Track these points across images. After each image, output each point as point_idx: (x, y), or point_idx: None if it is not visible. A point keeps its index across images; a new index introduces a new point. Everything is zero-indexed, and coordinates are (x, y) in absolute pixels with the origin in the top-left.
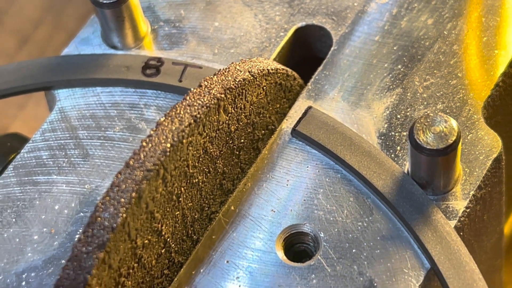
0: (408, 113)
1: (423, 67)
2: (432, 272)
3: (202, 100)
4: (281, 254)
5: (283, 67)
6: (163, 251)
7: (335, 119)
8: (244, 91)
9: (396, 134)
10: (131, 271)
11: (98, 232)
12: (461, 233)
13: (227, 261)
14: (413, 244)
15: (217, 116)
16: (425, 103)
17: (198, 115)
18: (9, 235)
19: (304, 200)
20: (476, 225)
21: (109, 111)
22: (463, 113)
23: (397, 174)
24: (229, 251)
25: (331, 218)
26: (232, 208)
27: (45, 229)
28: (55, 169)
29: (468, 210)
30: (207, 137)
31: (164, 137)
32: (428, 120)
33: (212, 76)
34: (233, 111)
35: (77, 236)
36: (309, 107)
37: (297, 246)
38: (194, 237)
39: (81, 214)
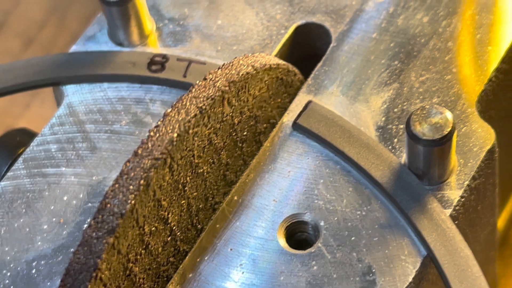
0: (404, 107)
1: (419, 63)
2: (428, 258)
3: (207, 92)
4: (283, 242)
5: (284, 62)
6: (169, 239)
7: (334, 112)
8: (247, 84)
9: (393, 127)
10: (138, 257)
11: (108, 218)
12: (456, 222)
13: (231, 249)
14: (410, 232)
15: (221, 108)
16: (421, 97)
17: (204, 107)
18: (19, 225)
19: (305, 190)
20: (470, 215)
21: (116, 105)
22: (457, 107)
23: (395, 165)
24: (233, 239)
25: (331, 208)
26: (235, 198)
27: (54, 219)
28: (64, 161)
29: (462, 200)
30: (212, 128)
31: (171, 127)
32: (424, 112)
33: (216, 70)
34: (236, 103)
35: (85, 225)
36: (310, 101)
37: (298, 235)
38: (199, 226)
39: (89, 204)
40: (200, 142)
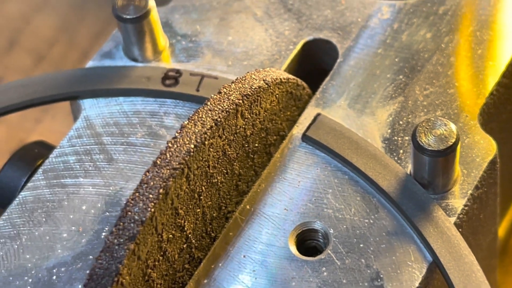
0: (409, 120)
1: (423, 77)
2: (434, 264)
3: (222, 105)
4: (293, 249)
5: (293, 77)
6: (184, 246)
7: (342, 125)
8: (259, 98)
9: (399, 138)
10: (156, 263)
11: (129, 225)
12: (460, 230)
13: (244, 256)
14: (416, 239)
15: (235, 121)
16: (425, 110)
17: (219, 119)
18: (40, 233)
19: (315, 199)
20: (473, 223)
21: (131, 119)
22: (460, 119)
23: (401, 175)
24: (245, 246)
25: (340, 216)
26: (248, 207)
27: (73, 228)
28: (82, 172)
29: (466, 208)
30: (226, 140)
31: (188, 138)
32: (430, 123)
33: (230, 84)
34: (249, 116)
35: (104, 233)
36: (318, 114)
37: (308, 242)
38: (212, 234)
39: (107, 213)
40: (215, 153)
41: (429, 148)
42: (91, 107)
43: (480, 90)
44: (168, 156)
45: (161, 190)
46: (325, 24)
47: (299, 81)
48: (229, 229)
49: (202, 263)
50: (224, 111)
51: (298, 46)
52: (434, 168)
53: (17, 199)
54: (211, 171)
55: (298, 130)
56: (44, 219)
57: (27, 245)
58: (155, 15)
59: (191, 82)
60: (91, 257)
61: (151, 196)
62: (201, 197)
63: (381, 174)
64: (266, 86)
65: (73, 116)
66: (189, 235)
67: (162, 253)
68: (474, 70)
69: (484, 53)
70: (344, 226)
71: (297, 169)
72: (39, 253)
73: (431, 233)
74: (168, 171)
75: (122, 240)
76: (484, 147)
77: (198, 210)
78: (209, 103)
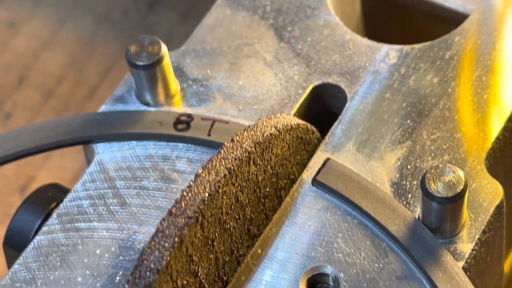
0: (417, 164)
1: (430, 122)
2: None
3: (235, 153)
4: None
5: (303, 122)
6: None
7: (351, 169)
8: (270, 144)
9: (407, 183)
10: None
11: (145, 273)
12: (468, 274)
13: None
14: (425, 283)
15: (247, 168)
16: (432, 154)
17: (232, 167)
18: (55, 277)
19: (325, 243)
20: (480, 266)
21: (144, 163)
22: (467, 164)
23: (409, 220)
24: None
25: (350, 260)
26: (259, 251)
27: (88, 272)
28: (96, 216)
29: (474, 253)
30: (239, 187)
31: (203, 187)
32: (438, 170)
33: (242, 132)
34: (261, 163)
35: (117, 278)
36: (328, 159)
37: (319, 286)
38: (225, 278)
39: (121, 257)
40: (228, 200)
41: (438, 195)
42: (104, 151)
43: (486, 134)
44: (183, 205)
45: (176, 239)
46: (334, 68)
47: (309, 126)
48: (241, 273)
49: None
50: (237, 159)
51: (307, 91)
52: (442, 214)
53: (32, 243)
54: (224, 217)
55: (308, 174)
56: (59, 263)
57: None
58: (167, 61)
59: (203, 126)
60: None
61: (166, 244)
62: (214, 243)
63: (390, 219)
64: (278, 133)
65: (86, 159)
66: (203, 280)
67: None
68: (480, 114)
69: (490, 97)
70: (354, 271)
71: (307, 213)
72: None
73: (440, 278)
74: (183, 219)
75: None
76: (491, 192)
77: (211, 255)
78: (222, 151)
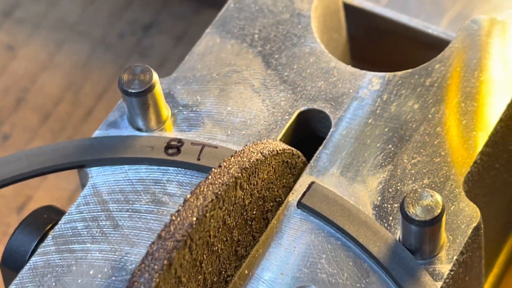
0: (398, 187)
1: (411, 147)
2: None
3: (222, 179)
4: None
5: (289, 147)
6: None
7: (335, 192)
8: (257, 169)
9: (389, 205)
10: None
11: None
12: None
13: None
14: None
15: (234, 192)
16: (413, 178)
17: (219, 192)
18: None
19: (309, 264)
20: (459, 285)
21: (136, 186)
22: (446, 187)
23: (390, 241)
24: None
25: (333, 280)
26: (246, 271)
27: None
28: (89, 238)
29: (452, 273)
30: (226, 211)
31: (191, 211)
32: (417, 194)
33: (230, 158)
34: (247, 187)
35: None
36: (312, 182)
37: None
38: None
39: (113, 278)
40: (215, 223)
41: (417, 219)
42: (97, 175)
43: (465, 159)
44: (172, 228)
45: (165, 262)
46: (319, 95)
47: (294, 150)
48: None
49: None
50: (224, 185)
51: (293, 116)
52: (421, 236)
53: (28, 264)
54: (212, 240)
55: (293, 197)
56: (54, 284)
57: None
58: (158, 89)
59: (193, 151)
60: None
61: (156, 267)
62: (203, 264)
63: (371, 240)
64: (263, 158)
65: (80, 183)
66: None
67: None
68: (459, 139)
69: (469, 123)
70: None
71: (292, 234)
72: None
73: None
74: (172, 243)
75: None
76: (468, 214)
77: (200, 276)
78: (210, 177)
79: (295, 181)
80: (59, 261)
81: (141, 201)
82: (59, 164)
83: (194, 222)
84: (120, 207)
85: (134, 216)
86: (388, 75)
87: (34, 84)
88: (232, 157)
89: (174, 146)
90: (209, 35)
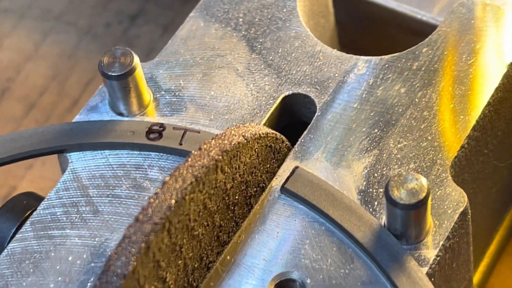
0: (384, 172)
1: (397, 131)
2: None
3: (202, 161)
4: None
5: (272, 131)
6: None
7: (319, 177)
8: (238, 153)
9: (374, 190)
10: None
11: (112, 278)
12: (432, 279)
13: None
14: None
15: (215, 175)
16: (399, 163)
17: (199, 175)
18: (27, 284)
19: (292, 250)
20: (446, 272)
21: (117, 171)
22: (433, 172)
23: (375, 226)
24: None
25: (317, 266)
26: (228, 257)
27: (60, 278)
28: (68, 224)
29: (438, 258)
30: (206, 194)
31: (169, 194)
32: (401, 178)
33: (210, 140)
34: (229, 171)
35: (89, 284)
36: (296, 167)
37: None
38: (194, 284)
39: (92, 264)
40: (195, 207)
41: (401, 202)
42: (77, 160)
43: (452, 143)
44: (150, 211)
45: (143, 245)
46: (304, 79)
47: (278, 135)
48: (210, 279)
49: None
50: (204, 167)
51: (278, 101)
52: (406, 220)
53: (5, 250)
54: (192, 224)
55: (277, 182)
56: (31, 270)
57: None
58: (139, 72)
59: (175, 136)
60: None
61: (133, 250)
62: (183, 249)
63: (356, 226)
64: (245, 141)
65: (60, 168)
66: (171, 286)
67: None
68: (447, 124)
69: (456, 107)
70: (321, 276)
71: (275, 220)
72: None
73: (404, 283)
74: (150, 226)
75: None
76: (455, 199)
77: (180, 261)
78: (189, 159)
79: (279, 166)
80: (37, 247)
81: (122, 186)
82: (38, 149)
83: (172, 205)
84: (100, 193)
85: (114, 201)
86: (374, 59)
87: (19, 75)
88: (213, 140)
89: (156, 131)
90: (192, 19)
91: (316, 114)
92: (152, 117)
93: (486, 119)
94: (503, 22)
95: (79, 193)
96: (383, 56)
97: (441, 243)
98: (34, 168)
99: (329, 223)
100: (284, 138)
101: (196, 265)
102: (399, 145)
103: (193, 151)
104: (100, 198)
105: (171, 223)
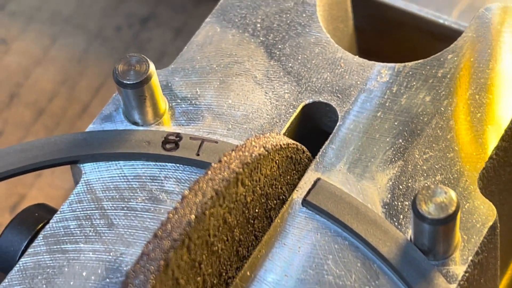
0: (409, 184)
1: (422, 141)
2: None
3: (222, 174)
4: None
5: (293, 141)
6: None
7: (342, 189)
8: (259, 165)
9: (399, 203)
10: None
11: None
12: None
13: None
14: None
15: (235, 189)
16: (425, 174)
17: (219, 189)
18: None
19: (315, 265)
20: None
21: (132, 183)
22: (460, 184)
23: (401, 241)
24: None
25: (341, 283)
26: (248, 273)
27: None
28: (82, 238)
29: (467, 275)
30: (227, 208)
31: (189, 209)
32: (429, 191)
33: (230, 152)
34: (249, 183)
35: None
36: (318, 179)
37: None
38: None
39: (107, 280)
40: (215, 222)
41: (429, 217)
42: (91, 171)
43: (480, 154)
44: (169, 227)
45: (161, 262)
46: (325, 87)
47: (299, 145)
48: None
49: None
50: (225, 180)
51: (298, 109)
52: (434, 236)
53: (17, 265)
54: (211, 239)
55: (298, 194)
56: (44, 286)
57: None
58: (155, 80)
59: (191, 146)
60: None
61: (151, 268)
62: (202, 265)
63: (381, 240)
64: (266, 153)
65: (73, 179)
66: None
67: None
68: (474, 133)
69: (483, 116)
70: None
71: (297, 234)
72: None
73: None
74: (169, 242)
75: None
76: (484, 213)
77: (199, 278)
78: (209, 172)
79: (299, 178)
80: (50, 262)
81: (137, 198)
82: (51, 160)
83: (192, 220)
84: (115, 205)
85: (129, 214)
86: (398, 65)
87: (27, 79)
88: (233, 152)
89: (172, 141)
90: (209, 24)
91: (338, 123)
92: (168, 126)
93: None
94: None
95: (93, 206)
96: (406, 63)
97: (470, 258)
98: (44, 177)
99: (353, 238)
100: (304, 148)
101: (215, 281)
102: (424, 156)
103: (212, 164)
104: (114, 211)
105: (190, 239)
